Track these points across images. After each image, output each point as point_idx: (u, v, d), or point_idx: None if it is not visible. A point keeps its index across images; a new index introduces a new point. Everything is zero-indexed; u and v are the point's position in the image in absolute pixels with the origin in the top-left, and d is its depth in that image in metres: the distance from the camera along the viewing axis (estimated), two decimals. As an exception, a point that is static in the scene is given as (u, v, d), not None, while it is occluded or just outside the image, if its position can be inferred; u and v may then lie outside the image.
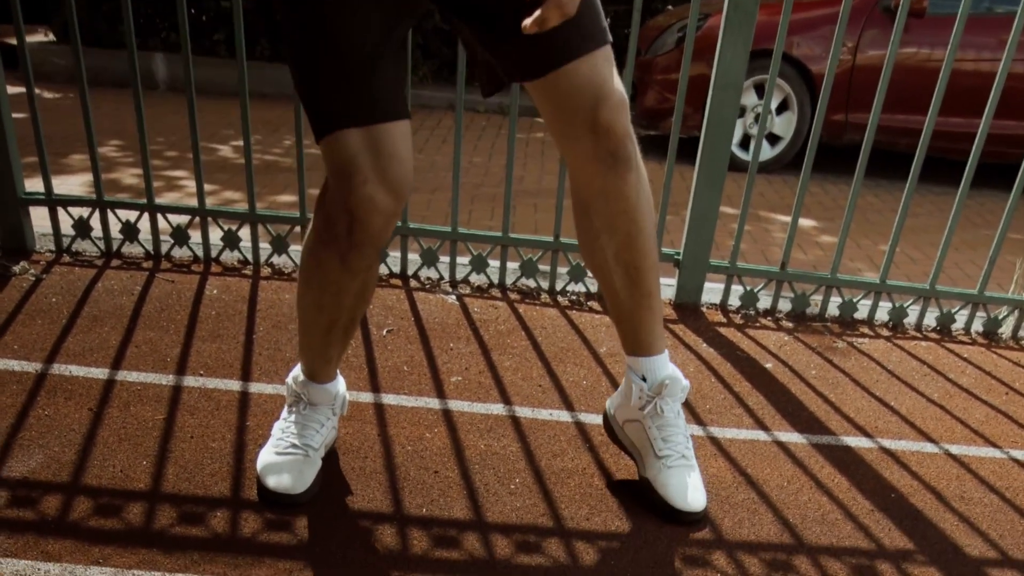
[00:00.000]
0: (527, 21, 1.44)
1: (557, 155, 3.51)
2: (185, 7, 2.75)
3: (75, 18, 2.80)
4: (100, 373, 2.28)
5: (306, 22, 1.56)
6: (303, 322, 1.89)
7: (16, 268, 2.88)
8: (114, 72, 6.76)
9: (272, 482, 1.85)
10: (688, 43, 2.78)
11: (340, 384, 2.01)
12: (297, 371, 1.98)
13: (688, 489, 1.88)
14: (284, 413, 1.99)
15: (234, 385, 2.29)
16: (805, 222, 4.85)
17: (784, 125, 6.03)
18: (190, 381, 2.29)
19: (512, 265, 3.10)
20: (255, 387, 2.29)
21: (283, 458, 1.89)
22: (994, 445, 2.35)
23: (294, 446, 1.89)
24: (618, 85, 1.69)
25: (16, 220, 3.02)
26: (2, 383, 2.19)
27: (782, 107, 6.01)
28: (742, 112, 5.96)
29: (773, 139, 6.08)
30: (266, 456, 1.91)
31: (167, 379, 2.28)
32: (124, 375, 2.28)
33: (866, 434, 2.34)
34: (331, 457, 2.01)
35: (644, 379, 1.92)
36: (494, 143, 6.29)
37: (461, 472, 2.01)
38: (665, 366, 1.92)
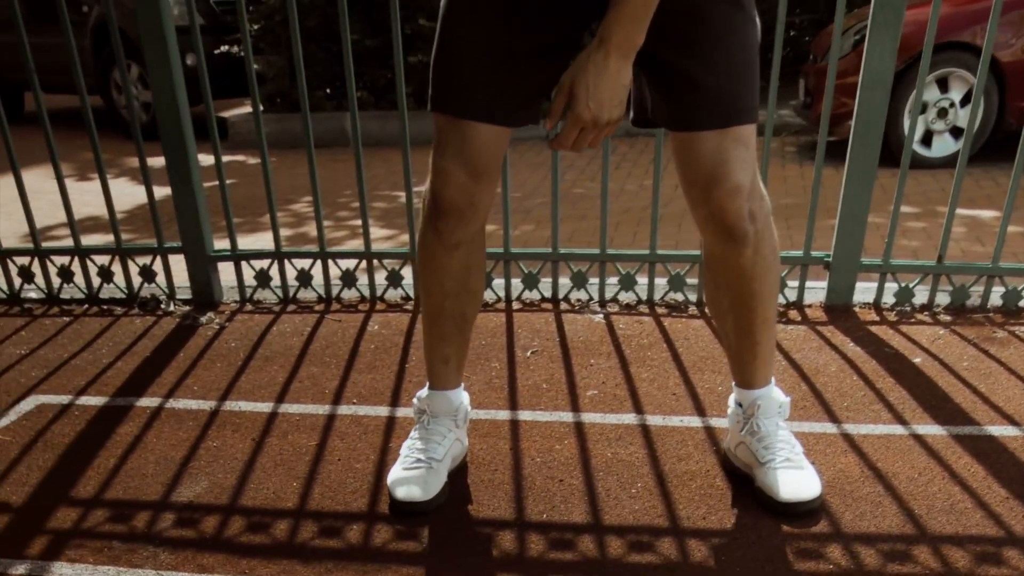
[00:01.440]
0: (550, 141, 1.65)
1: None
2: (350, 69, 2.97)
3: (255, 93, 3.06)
4: (265, 407, 2.51)
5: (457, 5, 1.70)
6: (422, 317, 2.04)
7: (203, 319, 3.20)
8: (314, 134, 7.28)
9: (400, 493, 1.97)
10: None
11: (462, 396, 2.12)
12: (423, 390, 2.11)
13: (793, 483, 1.88)
14: (412, 431, 2.11)
15: (383, 411, 2.46)
16: (987, 213, 4.61)
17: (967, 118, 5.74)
18: (343, 409, 2.47)
19: (660, 281, 3.14)
20: (402, 411, 2.45)
21: (410, 472, 2.00)
22: None
23: (419, 460, 2.01)
24: (740, 169, 1.70)
25: (205, 276, 3.35)
26: (180, 420, 2.45)
27: (966, 99, 5.73)
28: (924, 108, 5.74)
29: (958, 132, 5.79)
30: (395, 473, 2.04)
31: (323, 409, 2.48)
32: (286, 407, 2.50)
33: (1013, 422, 2.24)
34: (461, 471, 2.14)
35: (740, 405, 2.00)
36: (631, 169, 6.32)
37: (585, 479, 2.08)
38: (761, 393, 1.98)
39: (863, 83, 2.73)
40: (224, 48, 8.08)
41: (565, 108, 1.60)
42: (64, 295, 3.51)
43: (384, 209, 5.41)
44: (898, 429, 2.23)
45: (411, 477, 2.00)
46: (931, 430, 2.22)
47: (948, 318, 2.91)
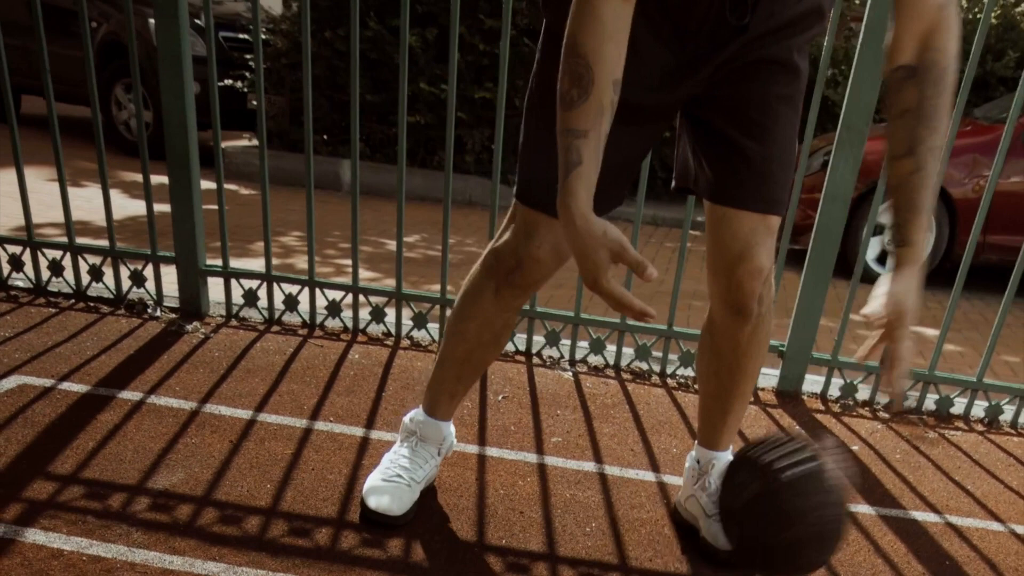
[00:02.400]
0: (886, 390, 1.61)
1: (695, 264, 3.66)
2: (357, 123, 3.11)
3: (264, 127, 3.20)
4: (244, 414, 2.59)
5: None
6: (443, 352, 2.10)
7: (189, 327, 3.28)
8: (301, 174, 7.43)
9: (373, 503, 2.06)
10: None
11: (451, 429, 2.23)
12: (414, 412, 2.21)
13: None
14: (396, 446, 2.22)
15: (358, 431, 2.55)
16: (929, 331, 4.83)
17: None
18: (320, 425, 2.56)
19: (627, 349, 3.28)
20: (376, 434, 2.54)
21: (387, 484, 2.09)
22: (1074, 532, 2.35)
23: (399, 475, 2.11)
24: (766, 255, 1.80)
25: (195, 287, 3.44)
26: (161, 415, 2.53)
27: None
28: (881, 230, 6.04)
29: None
30: (372, 480, 2.12)
31: (301, 422, 2.57)
32: (264, 416, 2.58)
33: (935, 511, 2.39)
34: (429, 492, 2.23)
35: (698, 461, 2.13)
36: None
37: (544, 514, 2.18)
38: (719, 455, 2.10)
39: (825, 195, 2.94)
40: (227, 82, 8.24)
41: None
42: (51, 288, 3.57)
43: (370, 253, 5.54)
44: (841, 507, 2.36)
45: (387, 489, 2.08)
46: (861, 508, 2.37)
47: (886, 416, 3.07)
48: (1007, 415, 3.15)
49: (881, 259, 6.15)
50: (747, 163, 1.74)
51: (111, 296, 3.53)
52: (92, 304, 3.47)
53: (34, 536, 1.90)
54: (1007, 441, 2.97)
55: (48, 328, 3.15)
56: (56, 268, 3.54)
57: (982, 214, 2.88)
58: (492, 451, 2.49)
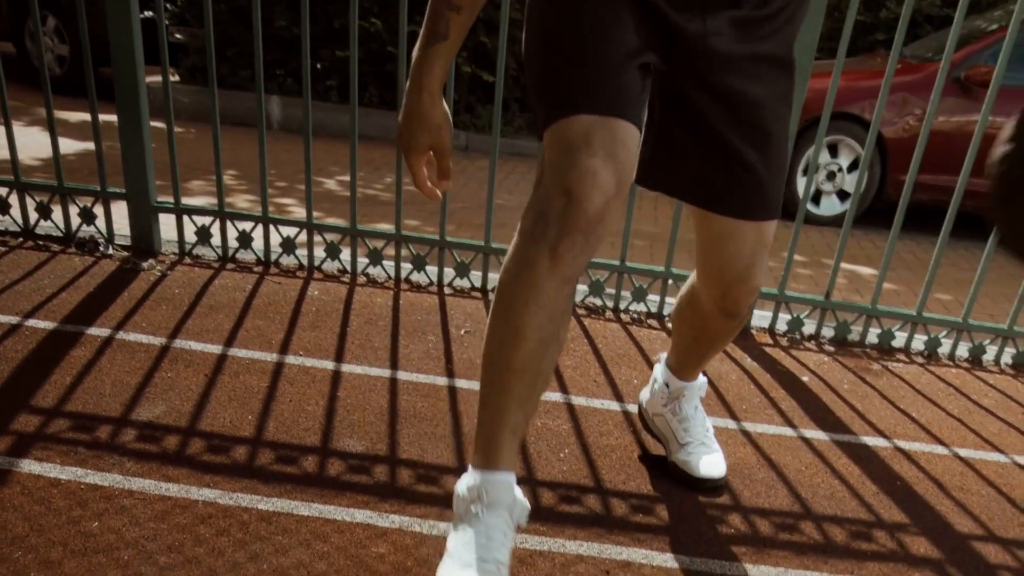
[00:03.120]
0: None
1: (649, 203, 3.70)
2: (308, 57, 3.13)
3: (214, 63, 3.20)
4: (215, 348, 2.64)
5: (570, 13, 1.53)
6: (491, 372, 1.58)
7: (145, 264, 3.29)
8: (233, 112, 7.33)
9: None
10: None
11: (516, 485, 1.64)
12: (467, 477, 1.63)
13: (707, 464, 2.14)
14: (460, 529, 1.61)
15: (329, 365, 2.62)
16: (865, 270, 5.05)
17: (854, 182, 6.25)
18: (291, 359, 2.63)
19: (582, 287, 3.40)
20: (347, 367, 2.61)
21: (468, 572, 1.54)
22: (1001, 451, 2.56)
23: (482, 559, 1.55)
24: (763, 273, 1.80)
25: (147, 224, 3.44)
26: (132, 351, 2.57)
27: (853, 166, 6.24)
28: (816, 169, 6.21)
29: (844, 195, 6.32)
30: (448, 573, 1.56)
31: (271, 356, 2.63)
32: (235, 351, 2.64)
33: (884, 436, 2.57)
34: (406, 422, 2.32)
35: (668, 385, 2.22)
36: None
37: (519, 441, 2.29)
38: (690, 384, 2.20)
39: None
40: (148, 13, 8.05)
41: None
42: (-2, 226, 3.55)
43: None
44: (788, 431, 2.53)
45: None
46: (816, 435, 2.53)
47: (831, 349, 3.25)
48: (945, 348, 3.35)
49: (815, 199, 6.34)
50: (749, 173, 1.68)
51: (60, 234, 3.51)
52: (41, 243, 3.45)
53: (29, 467, 1.95)
54: (946, 372, 3.17)
55: (2, 266, 3.13)
56: (2, 206, 3.50)
57: (919, 154, 3.02)
58: (462, 383, 2.59)
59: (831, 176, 6.29)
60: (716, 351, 2.08)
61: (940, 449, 2.53)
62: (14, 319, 2.69)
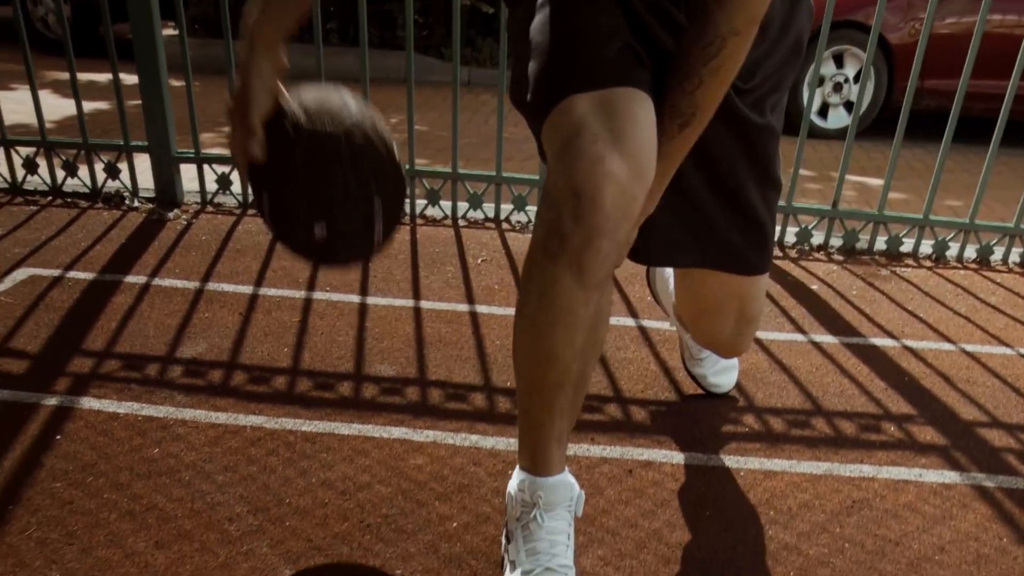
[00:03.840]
0: None
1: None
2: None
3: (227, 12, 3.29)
4: (246, 289, 2.79)
5: (560, 22, 1.39)
6: (527, 387, 1.48)
7: (170, 215, 3.43)
8: (235, 62, 7.40)
9: None
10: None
11: (571, 477, 1.59)
12: (519, 478, 1.58)
13: (721, 373, 2.28)
14: (515, 535, 1.57)
15: (355, 298, 2.76)
16: (874, 181, 5.13)
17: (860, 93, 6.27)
18: (318, 295, 2.77)
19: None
20: (371, 300, 2.76)
21: None
22: (1007, 345, 2.69)
23: (549, 569, 1.50)
24: (760, 310, 1.85)
25: (169, 176, 3.58)
26: (169, 295, 2.72)
27: (859, 75, 6.27)
28: (821, 81, 6.23)
29: (852, 107, 6.34)
30: None
31: (300, 293, 2.78)
32: (265, 291, 2.78)
33: (892, 336, 2.71)
34: (432, 347, 2.47)
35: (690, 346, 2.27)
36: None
37: (539, 359, 2.44)
38: None
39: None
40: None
41: None
42: (27, 187, 3.67)
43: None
44: (798, 337, 2.67)
45: None
46: (825, 339, 2.67)
47: (840, 258, 3.38)
48: (952, 251, 3.48)
49: (823, 112, 6.36)
50: (759, 230, 1.70)
51: (87, 191, 3.64)
52: (70, 199, 3.59)
53: (89, 404, 2.11)
54: (954, 274, 3.30)
55: (35, 224, 3.28)
56: (30, 165, 3.63)
57: (919, 59, 3.09)
58: (482, 308, 2.74)
59: (837, 88, 6.28)
60: None
61: (947, 346, 2.67)
62: (55, 272, 2.84)
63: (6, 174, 3.66)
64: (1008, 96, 3.13)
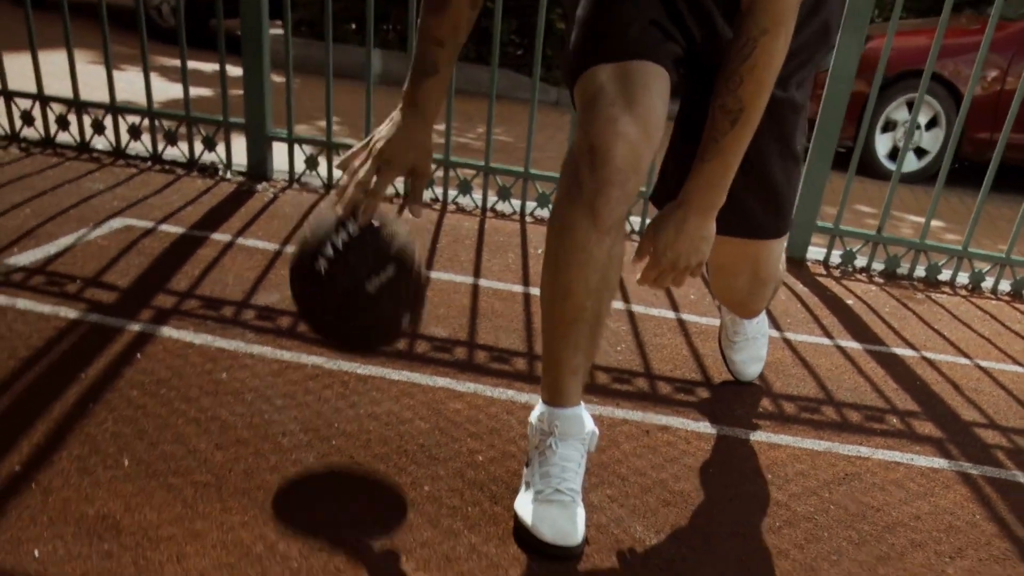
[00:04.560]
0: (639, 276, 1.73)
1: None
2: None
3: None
4: (321, 255, 3.00)
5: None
6: (548, 323, 1.69)
7: (259, 187, 3.68)
8: (336, 64, 7.73)
9: (549, 534, 1.65)
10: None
11: (588, 416, 1.79)
12: (538, 410, 1.78)
13: (749, 363, 2.41)
14: (532, 460, 1.78)
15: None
16: (936, 224, 5.20)
17: (931, 140, 6.36)
18: (386, 266, 2.97)
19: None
20: (435, 274, 2.95)
21: (550, 507, 1.68)
22: (1020, 364, 2.79)
23: (558, 491, 1.69)
24: (779, 270, 2.06)
25: (262, 153, 3.83)
26: (250, 253, 2.95)
27: (931, 123, 6.35)
28: (893, 126, 6.34)
29: (921, 153, 6.43)
30: (527, 506, 1.71)
31: (369, 263, 2.98)
32: (338, 257, 2.99)
33: (913, 348, 2.83)
34: (484, 317, 2.65)
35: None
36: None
37: (582, 336, 2.61)
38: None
39: (831, 74, 3.31)
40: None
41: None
42: (130, 152, 3.97)
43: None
44: (824, 340, 2.80)
45: (554, 512, 1.68)
46: (850, 344, 2.80)
47: (880, 280, 3.50)
48: (988, 283, 3.57)
49: (892, 155, 6.45)
50: (776, 197, 1.89)
51: (184, 160, 3.91)
52: (167, 167, 3.86)
53: (168, 332, 2.33)
54: (986, 303, 3.40)
55: (134, 184, 3.55)
56: (135, 132, 3.92)
57: (963, 114, 3.21)
58: (535, 290, 2.91)
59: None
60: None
61: (963, 360, 2.77)
62: (148, 224, 3.09)
63: (112, 139, 3.95)
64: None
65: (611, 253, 1.59)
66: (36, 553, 1.50)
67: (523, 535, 1.68)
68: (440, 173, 3.79)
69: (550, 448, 1.73)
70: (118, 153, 3.95)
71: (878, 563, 1.74)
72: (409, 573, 1.56)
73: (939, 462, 2.14)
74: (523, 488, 1.76)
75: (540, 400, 1.78)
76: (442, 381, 2.25)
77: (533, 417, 1.78)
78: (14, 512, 1.59)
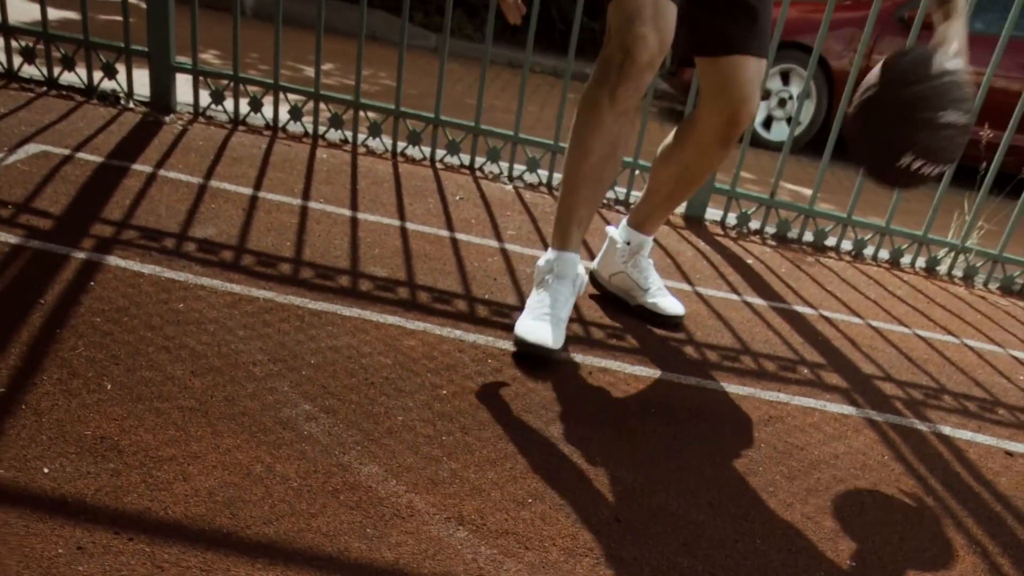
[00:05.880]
0: None
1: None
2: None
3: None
4: (246, 191, 3.02)
5: None
6: (569, 179, 2.26)
7: (166, 119, 3.63)
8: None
9: (532, 338, 2.20)
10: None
11: (580, 263, 2.34)
12: (547, 254, 2.33)
13: (671, 303, 2.61)
14: (534, 291, 2.34)
15: (346, 212, 3.02)
16: (809, 191, 5.54)
17: (803, 111, 6.73)
18: (313, 204, 3.02)
19: (558, 175, 3.83)
20: (362, 215, 3.02)
21: (539, 322, 2.24)
22: (906, 326, 3.09)
23: (547, 314, 2.25)
24: (758, 98, 2.38)
25: (166, 83, 3.77)
26: (175, 185, 2.94)
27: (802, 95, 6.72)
28: (767, 95, 6.66)
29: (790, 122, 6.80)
30: (523, 323, 2.26)
31: (296, 201, 3.02)
32: (263, 194, 3.02)
33: (811, 306, 3.08)
34: (420, 261, 2.75)
35: (628, 243, 2.64)
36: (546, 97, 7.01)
37: (511, 282, 2.74)
38: (648, 239, 2.66)
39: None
40: None
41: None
42: (23, 75, 3.83)
43: (289, 76, 5.83)
44: (733, 296, 3.02)
45: (540, 326, 2.23)
46: (756, 300, 3.03)
47: (773, 243, 3.75)
48: (869, 250, 3.88)
49: (766, 124, 6.81)
50: (753, 17, 2.29)
51: (82, 86, 3.81)
52: (65, 93, 3.75)
53: (115, 261, 2.34)
54: (869, 269, 3.70)
55: (35, 108, 3.45)
56: (29, 55, 3.78)
57: (849, 88, 3.46)
58: (461, 236, 3.02)
59: (782, 103, 6.73)
60: (687, 195, 2.60)
61: (856, 320, 3.05)
62: (65, 151, 3.03)
63: (3, 61, 3.80)
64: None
65: (621, 131, 2.18)
66: (45, 470, 1.54)
67: (517, 343, 2.23)
68: (349, 115, 3.81)
69: (547, 283, 2.29)
70: (9, 75, 3.81)
71: (808, 495, 1.96)
72: (401, 494, 1.68)
73: (848, 409, 2.39)
74: (522, 314, 2.30)
75: (549, 247, 2.32)
76: (392, 319, 2.34)
77: (540, 261, 2.32)
78: (12, 431, 1.62)
